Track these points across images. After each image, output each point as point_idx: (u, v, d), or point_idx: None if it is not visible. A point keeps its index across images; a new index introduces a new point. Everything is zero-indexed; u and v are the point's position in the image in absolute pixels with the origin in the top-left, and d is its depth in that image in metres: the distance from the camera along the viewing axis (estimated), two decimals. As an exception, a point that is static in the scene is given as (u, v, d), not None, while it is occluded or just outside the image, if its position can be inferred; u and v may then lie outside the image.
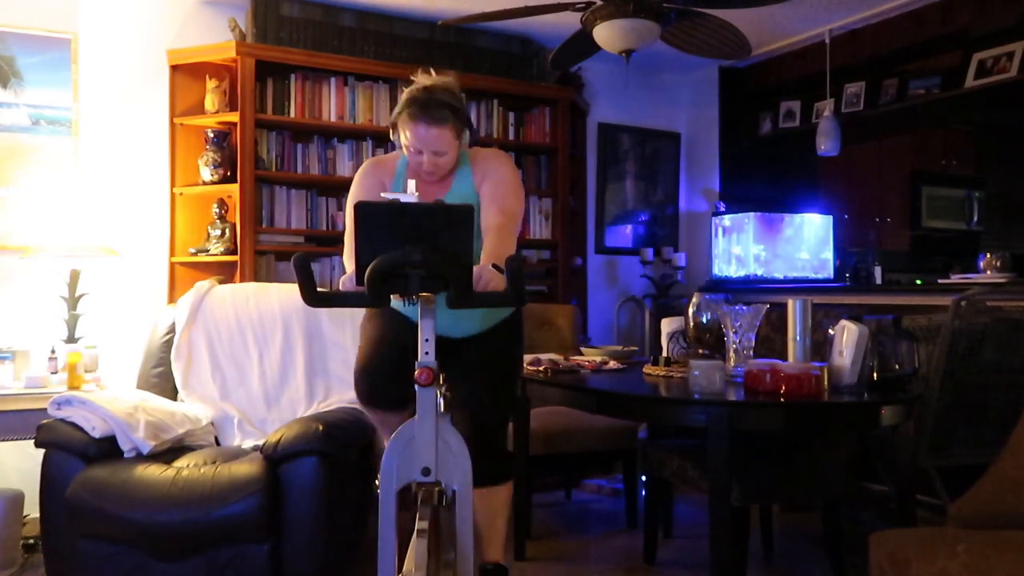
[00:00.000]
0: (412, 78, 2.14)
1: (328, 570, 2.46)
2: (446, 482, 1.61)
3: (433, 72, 2.14)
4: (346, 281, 1.82)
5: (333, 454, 2.44)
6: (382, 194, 2.03)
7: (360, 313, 2.42)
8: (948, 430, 2.73)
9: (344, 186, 4.12)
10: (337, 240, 3.85)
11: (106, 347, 3.45)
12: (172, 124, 3.67)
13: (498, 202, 2.09)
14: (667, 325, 3.05)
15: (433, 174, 2.14)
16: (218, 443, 2.93)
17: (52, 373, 3.16)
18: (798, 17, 4.14)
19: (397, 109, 2.10)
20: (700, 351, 2.77)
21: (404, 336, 2.01)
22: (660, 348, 3.07)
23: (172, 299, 3.55)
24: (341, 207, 3.91)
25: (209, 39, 3.72)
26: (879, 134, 4.97)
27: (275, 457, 2.43)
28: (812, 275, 4.50)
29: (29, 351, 3.24)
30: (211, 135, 3.66)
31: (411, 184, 1.82)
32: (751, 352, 2.58)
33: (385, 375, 2.16)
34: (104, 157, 3.60)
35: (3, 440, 3.04)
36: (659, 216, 5.14)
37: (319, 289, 1.60)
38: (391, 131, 2.16)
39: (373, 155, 3.93)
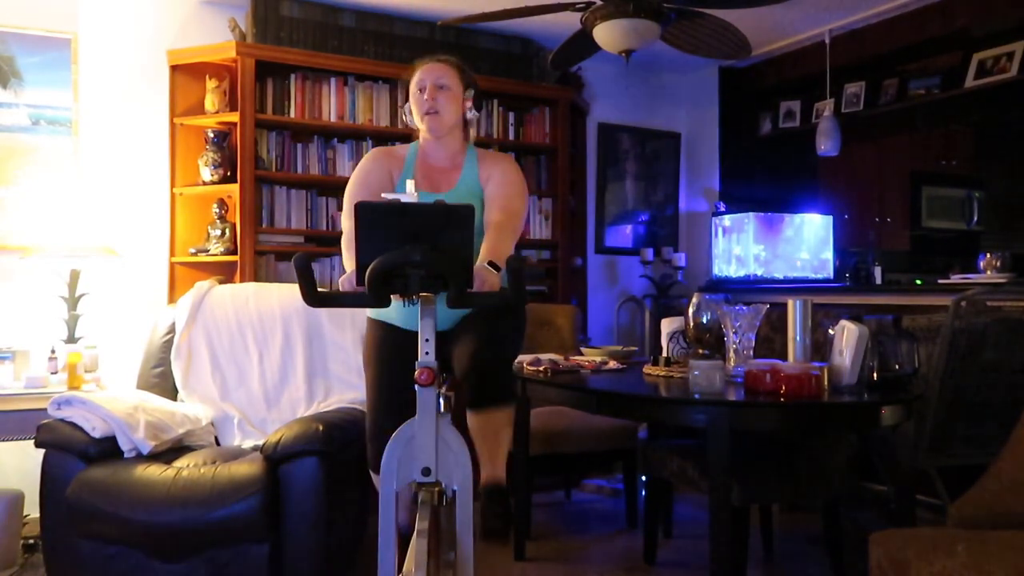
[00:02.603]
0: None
1: (328, 570, 2.46)
2: (446, 482, 1.61)
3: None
4: (345, 282, 1.81)
5: (333, 454, 2.45)
6: (383, 194, 2.03)
7: (361, 317, 2.41)
8: (948, 430, 2.73)
9: (344, 186, 4.12)
10: (337, 240, 3.84)
11: (106, 347, 3.45)
12: (172, 124, 3.67)
13: (501, 201, 2.14)
14: (667, 325, 3.05)
15: (435, 118, 2.18)
16: (218, 443, 2.93)
17: (52, 373, 3.16)
18: (798, 17, 4.14)
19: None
20: (700, 351, 2.77)
21: (407, 379, 1.77)
22: (660, 348, 3.07)
23: (172, 299, 3.55)
24: (341, 207, 3.89)
25: (209, 39, 3.72)
26: (879, 134, 4.98)
27: (275, 457, 2.44)
28: (812, 275, 4.50)
29: (29, 351, 3.24)
30: (211, 135, 3.66)
31: (410, 184, 1.83)
32: (751, 352, 2.58)
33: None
34: (104, 157, 3.60)
35: (3, 440, 3.04)
36: (659, 216, 5.13)
37: (319, 289, 1.60)
38: (401, 114, 2.32)
39: (373, 155, 3.93)
